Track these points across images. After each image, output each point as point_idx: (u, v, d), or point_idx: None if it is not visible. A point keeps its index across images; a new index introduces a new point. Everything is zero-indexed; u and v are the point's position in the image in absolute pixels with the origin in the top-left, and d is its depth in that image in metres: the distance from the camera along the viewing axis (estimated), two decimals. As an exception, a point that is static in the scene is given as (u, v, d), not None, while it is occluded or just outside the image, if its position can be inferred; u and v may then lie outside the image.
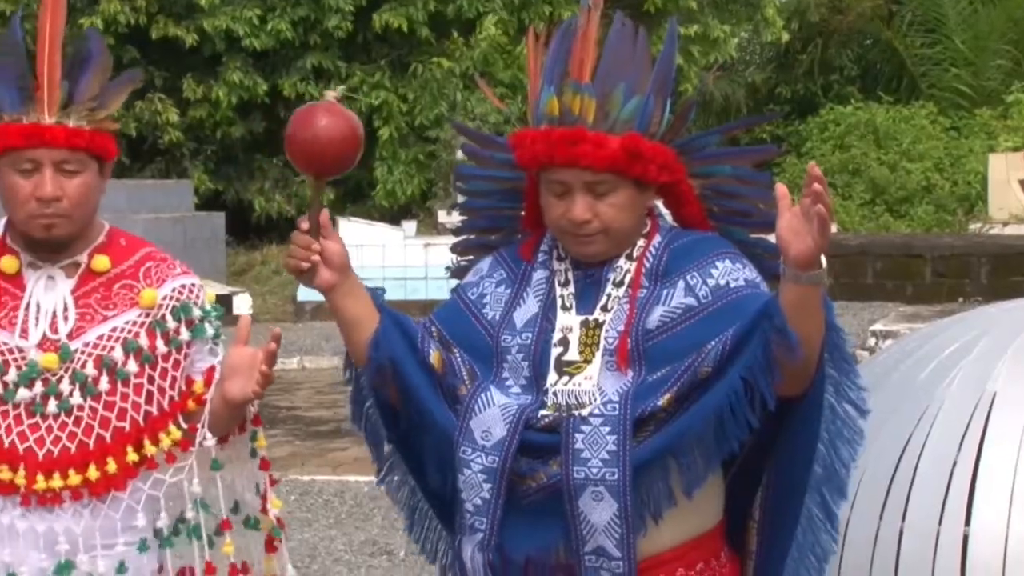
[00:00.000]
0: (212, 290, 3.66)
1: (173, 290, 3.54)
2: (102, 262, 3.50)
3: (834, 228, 19.20)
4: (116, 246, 3.56)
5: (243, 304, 18.04)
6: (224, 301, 3.51)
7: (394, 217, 22.61)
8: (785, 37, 27.71)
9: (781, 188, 3.05)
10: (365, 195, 24.20)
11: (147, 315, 3.49)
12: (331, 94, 3.34)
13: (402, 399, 3.37)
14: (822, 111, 28.07)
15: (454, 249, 3.66)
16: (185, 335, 3.53)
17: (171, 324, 3.51)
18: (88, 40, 3.55)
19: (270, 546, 3.66)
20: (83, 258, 3.50)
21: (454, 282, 3.59)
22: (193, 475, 3.49)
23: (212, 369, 3.55)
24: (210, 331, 3.58)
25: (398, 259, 19.31)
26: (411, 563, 7.64)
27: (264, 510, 3.62)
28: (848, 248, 20.20)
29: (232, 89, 23.75)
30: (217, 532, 3.57)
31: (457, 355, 3.31)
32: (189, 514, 3.51)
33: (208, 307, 3.59)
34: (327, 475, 10.44)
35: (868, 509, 4.38)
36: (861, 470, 3.35)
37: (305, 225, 3.29)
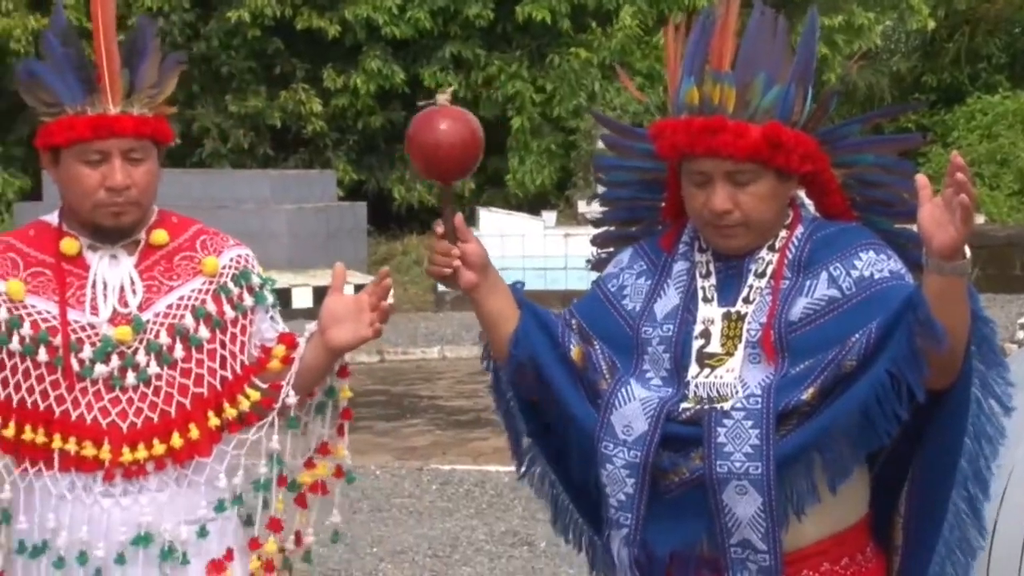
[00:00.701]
0: (354, 280, 3.68)
1: (231, 259, 3.61)
2: (160, 236, 3.56)
3: (980, 219, 18.98)
4: (169, 223, 3.61)
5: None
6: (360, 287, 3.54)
7: (531, 206, 22.62)
8: (931, 25, 27.35)
9: (921, 179, 3.02)
10: (503, 183, 24.21)
11: (210, 282, 3.56)
12: (443, 97, 3.37)
13: (542, 394, 3.38)
14: (969, 100, 27.72)
15: (594, 242, 3.66)
16: (248, 301, 3.60)
17: (234, 290, 3.58)
18: (141, 29, 3.58)
19: (302, 500, 3.70)
20: (141, 235, 3.55)
21: (594, 273, 3.58)
22: (273, 432, 3.55)
23: (290, 336, 3.61)
24: (270, 298, 3.66)
25: (538, 249, 19.34)
26: (551, 554, 7.63)
27: (310, 464, 3.67)
28: (995, 239, 19.93)
29: (371, 78, 23.92)
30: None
31: (597, 348, 3.30)
32: (262, 470, 3.57)
33: (264, 276, 3.67)
34: (468, 465, 10.47)
35: (1018, 507, 4.31)
36: (1009, 467, 3.28)
37: (441, 230, 3.32)
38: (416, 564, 7.87)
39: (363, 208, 22.51)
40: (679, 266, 3.31)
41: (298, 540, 3.70)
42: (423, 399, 13.72)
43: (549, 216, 21.29)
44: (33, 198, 22.00)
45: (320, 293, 4.10)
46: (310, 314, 10.97)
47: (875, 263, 3.16)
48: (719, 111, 3.15)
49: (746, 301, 3.21)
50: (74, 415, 3.40)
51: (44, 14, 22.71)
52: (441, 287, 18.43)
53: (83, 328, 3.45)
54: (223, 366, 3.52)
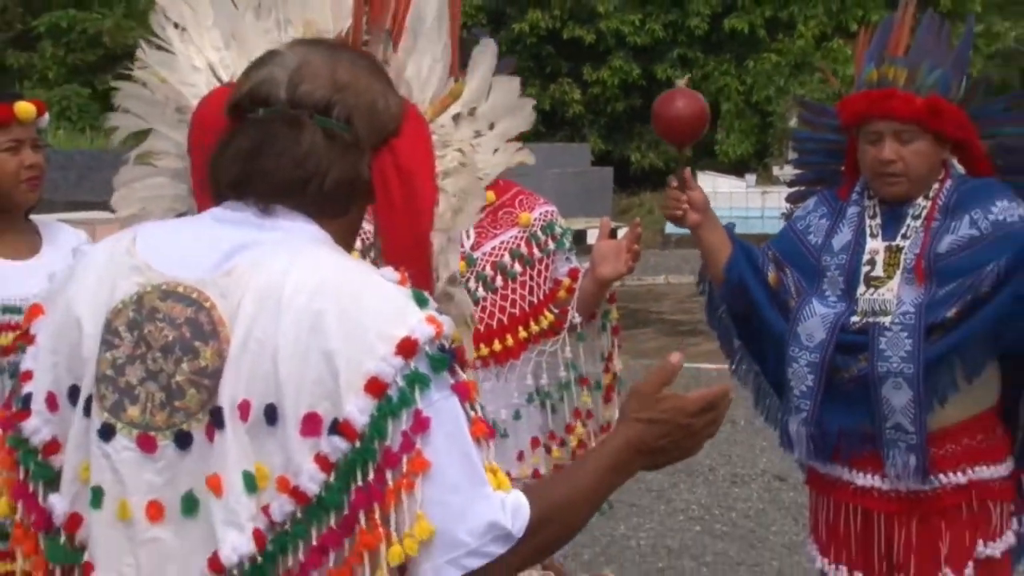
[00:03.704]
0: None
1: (540, 214, 3.61)
2: (489, 196, 3.52)
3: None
4: (497, 186, 3.58)
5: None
6: (613, 234, 3.55)
7: (735, 169, 22.53)
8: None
9: None
10: (712, 153, 24.12)
11: (524, 231, 3.56)
12: (681, 82, 3.45)
13: (747, 309, 3.36)
14: (1089, 89, 26.56)
15: (789, 199, 3.61)
16: (551, 245, 3.59)
17: (542, 237, 3.58)
18: (479, 38, 3.54)
19: (608, 396, 3.69)
20: None
21: (783, 222, 3.54)
22: (565, 345, 3.54)
23: (575, 270, 3.59)
24: (567, 243, 3.63)
25: (741, 203, 19.17)
26: (749, 430, 7.56)
27: (607, 369, 3.66)
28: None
29: (615, 73, 24.33)
30: (577, 384, 3.61)
31: (788, 274, 3.28)
32: (561, 373, 3.55)
33: (565, 226, 3.65)
34: (686, 363, 10.38)
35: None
36: None
37: (675, 182, 3.33)
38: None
39: (610, 172, 22.62)
40: (852, 210, 3.25)
41: (602, 430, 3.66)
42: (652, 314, 13.75)
43: (750, 178, 21.22)
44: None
45: (578, 236, 4.14)
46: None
47: (1008, 210, 3.07)
48: (892, 85, 3.12)
49: (904, 237, 3.14)
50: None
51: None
52: (669, 228, 18.54)
53: None
54: (531, 293, 3.54)
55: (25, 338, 1.73)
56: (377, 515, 1.54)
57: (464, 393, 1.61)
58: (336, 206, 1.70)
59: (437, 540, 1.55)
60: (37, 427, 1.70)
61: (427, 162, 1.79)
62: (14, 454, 1.72)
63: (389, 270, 1.66)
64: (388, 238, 1.77)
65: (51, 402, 1.70)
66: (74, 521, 1.66)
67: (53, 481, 1.69)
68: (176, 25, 1.95)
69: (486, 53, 2.02)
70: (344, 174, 1.69)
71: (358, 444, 1.53)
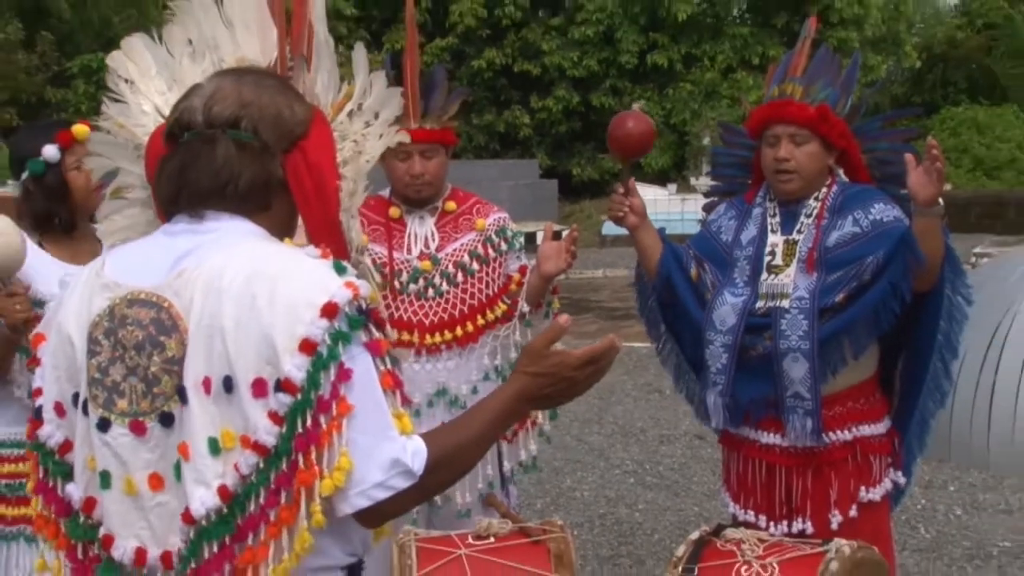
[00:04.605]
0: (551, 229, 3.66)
1: (494, 220, 3.57)
2: (451, 205, 3.55)
3: (948, 187, 18.28)
4: (457, 196, 3.58)
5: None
6: (557, 235, 3.54)
7: (658, 180, 22.51)
8: (918, 64, 26.49)
9: (910, 156, 2.99)
10: (639, 166, 24.07)
11: (480, 235, 3.53)
12: (636, 106, 3.40)
13: (672, 299, 3.35)
14: (942, 111, 26.79)
15: (705, 208, 3.60)
16: (504, 247, 3.56)
17: (496, 240, 3.55)
18: (434, 73, 3.54)
19: None
20: (439, 204, 3.54)
21: (698, 226, 3.54)
22: (516, 330, 3.52)
23: (524, 267, 3.57)
24: (517, 245, 3.60)
25: (664, 208, 19.13)
26: (674, 399, 7.61)
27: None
28: (957, 199, 19.31)
29: (559, 101, 24.05)
30: None
31: (707, 270, 3.27)
32: (513, 354, 3.52)
33: (516, 230, 3.62)
34: (623, 343, 10.39)
35: (973, 364, 4.18)
36: (968, 340, 3.24)
37: (621, 189, 3.30)
38: (587, 403, 7.88)
39: (555, 184, 22.48)
40: (756, 210, 3.26)
41: None
42: (592, 302, 13.73)
43: (671, 187, 21.16)
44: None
45: (529, 237, 4.10)
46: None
47: (884, 211, 3.09)
48: (790, 98, 3.15)
49: (799, 232, 3.15)
50: (396, 315, 3.41)
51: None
52: (605, 230, 18.52)
53: (403, 262, 3.46)
54: (487, 287, 3.51)
55: (34, 362, 1.76)
56: (313, 455, 1.55)
57: (376, 349, 1.62)
58: (256, 202, 1.72)
59: (353, 475, 1.57)
60: (51, 432, 1.74)
61: (331, 157, 1.80)
62: (35, 457, 1.76)
63: (311, 248, 1.69)
64: (307, 222, 1.78)
65: (58, 409, 1.73)
66: (89, 504, 1.70)
67: (68, 474, 1.73)
68: (126, 80, 1.99)
69: (361, 57, 2.03)
70: (256, 176, 1.70)
71: (299, 396, 1.55)
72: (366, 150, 1.90)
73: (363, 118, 1.93)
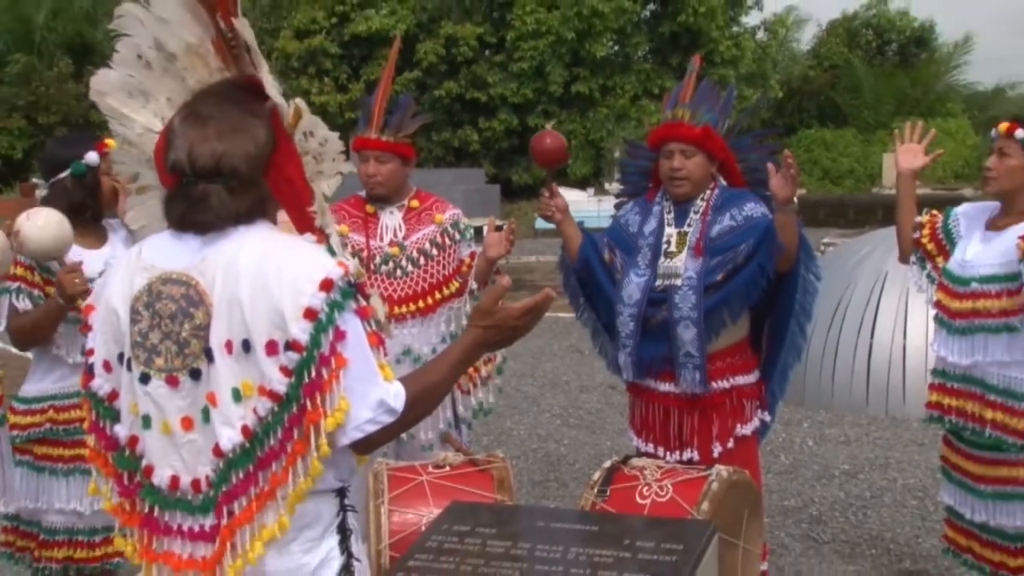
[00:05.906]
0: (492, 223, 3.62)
1: (450, 215, 3.53)
2: (415, 203, 3.51)
3: (802, 191, 18.53)
4: (420, 196, 3.53)
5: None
6: (499, 228, 3.51)
7: (580, 184, 22.53)
8: (780, 95, 26.78)
9: (771, 166, 3.02)
10: (565, 173, 24.08)
11: (439, 227, 3.49)
12: (548, 126, 3.38)
13: (589, 278, 3.34)
14: (798, 132, 27.16)
15: (616, 207, 3.57)
16: (457, 236, 3.52)
17: (451, 231, 3.50)
18: (404, 99, 3.51)
19: None
20: (405, 202, 3.49)
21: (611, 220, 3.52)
22: (466, 303, 3.48)
23: (473, 252, 3.53)
24: (468, 235, 3.56)
25: (584, 207, 19.15)
26: (593, 358, 7.62)
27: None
28: (809, 201, 19.72)
29: (501, 123, 23.93)
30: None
31: (617, 255, 3.25)
32: (464, 323, 3.46)
33: (467, 223, 3.58)
34: (550, 312, 10.40)
35: (822, 327, 4.23)
36: (818, 309, 3.27)
37: (547, 193, 3.29)
38: (522, 360, 7.90)
39: (497, 188, 22.41)
40: (656, 208, 3.24)
41: (489, 359, 3.60)
42: (527, 281, 13.72)
43: (590, 190, 21.21)
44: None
45: (477, 230, 4.07)
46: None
47: (754, 208, 3.09)
48: (681, 120, 3.13)
49: (689, 225, 3.14)
50: (370, 289, 3.39)
51: (345, 92, 22.74)
52: (539, 224, 18.49)
53: (377, 248, 3.41)
54: (444, 268, 3.47)
55: (86, 328, 1.75)
56: (318, 400, 1.56)
57: (363, 314, 1.64)
58: (255, 216, 1.68)
59: (350, 413, 1.59)
60: (100, 384, 1.73)
61: (297, 163, 1.73)
62: (88, 404, 1.75)
63: (309, 235, 1.71)
64: (293, 221, 1.77)
65: (107, 366, 1.72)
66: (133, 441, 1.70)
67: (116, 418, 1.72)
68: (112, 115, 1.88)
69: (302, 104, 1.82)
70: (249, 204, 1.66)
71: (304, 354, 1.56)
72: (324, 169, 1.81)
73: (316, 140, 1.80)
